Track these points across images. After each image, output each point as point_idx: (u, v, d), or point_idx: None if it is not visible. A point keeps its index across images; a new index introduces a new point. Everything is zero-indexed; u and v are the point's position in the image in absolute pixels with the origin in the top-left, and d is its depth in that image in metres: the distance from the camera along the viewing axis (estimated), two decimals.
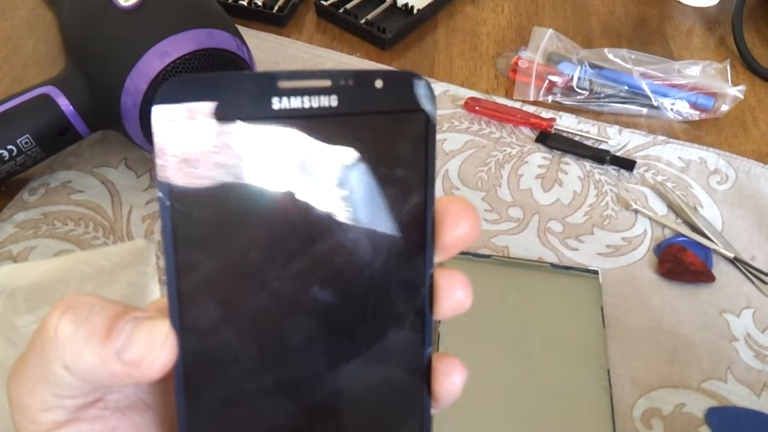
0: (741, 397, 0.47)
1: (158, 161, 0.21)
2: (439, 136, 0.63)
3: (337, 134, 0.23)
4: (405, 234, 0.24)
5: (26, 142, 0.53)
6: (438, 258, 0.25)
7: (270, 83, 0.22)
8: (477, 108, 0.65)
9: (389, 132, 0.24)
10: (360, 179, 0.23)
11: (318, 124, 0.23)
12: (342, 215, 0.24)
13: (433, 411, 0.26)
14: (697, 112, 0.67)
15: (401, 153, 0.24)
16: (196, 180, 0.21)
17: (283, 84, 0.22)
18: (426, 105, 0.24)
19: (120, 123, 0.54)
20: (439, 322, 0.48)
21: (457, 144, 0.63)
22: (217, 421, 0.23)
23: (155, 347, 0.21)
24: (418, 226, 0.24)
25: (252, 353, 0.23)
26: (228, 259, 0.22)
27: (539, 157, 0.62)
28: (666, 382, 0.48)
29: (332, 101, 0.23)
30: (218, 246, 0.22)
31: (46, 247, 0.53)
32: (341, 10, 0.75)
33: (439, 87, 0.68)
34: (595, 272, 0.52)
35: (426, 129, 0.24)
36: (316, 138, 0.23)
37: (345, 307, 0.24)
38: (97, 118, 0.55)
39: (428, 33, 0.76)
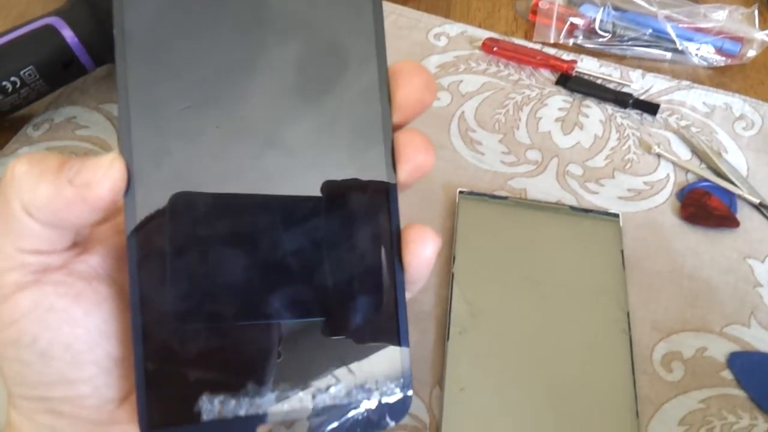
0: (765, 342, 0.46)
1: None
2: (455, 78, 0.61)
3: (279, 8, 0.24)
4: (357, 99, 0.25)
5: (30, 74, 0.51)
6: (396, 118, 0.25)
7: None
8: (495, 49, 0.63)
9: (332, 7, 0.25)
10: (307, 51, 0.24)
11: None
12: (290, 80, 0.24)
13: (408, 295, 0.26)
14: (723, 58, 0.65)
15: (346, 28, 0.25)
16: (149, 20, 0.23)
17: None
18: None
19: None
20: (453, 260, 0.47)
21: (473, 86, 0.61)
22: (166, 265, 0.23)
23: (103, 167, 0.23)
24: (369, 89, 0.25)
25: (208, 197, 0.24)
26: (179, 95, 0.23)
27: (559, 100, 0.60)
28: (687, 326, 0.46)
29: None
30: (171, 82, 0.23)
31: None
32: None
33: (455, 28, 0.66)
34: (616, 215, 0.51)
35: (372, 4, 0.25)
36: (258, 10, 0.24)
37: (300, 173, 0.24)
38: (102, 50, 0.53)
39: None
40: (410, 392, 0.25)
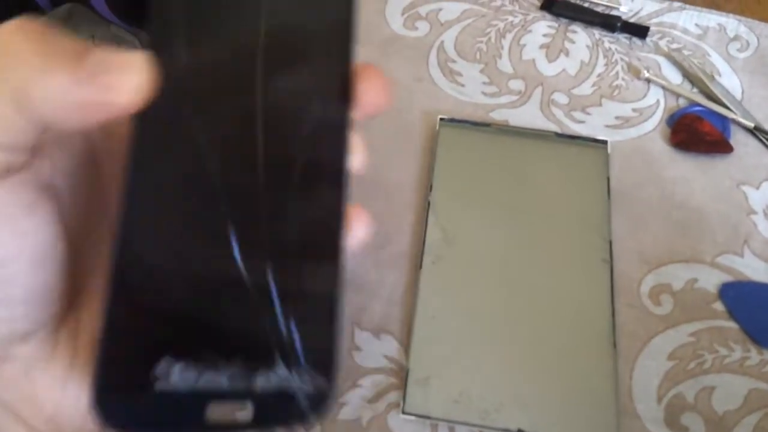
0: (758, 271, 0.44)
1: None
2: (434, 5, 0.58)
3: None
4: (321, 92, 0.23)
5: None
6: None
7: None
8: None
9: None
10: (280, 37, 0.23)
11: None
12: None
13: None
14: None
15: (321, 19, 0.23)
16: None
17: None
18: None
19: None
20: (431, 188, 0.45)
21: (453, 13, 0.58)
22: (163, 205, 0.22)
23: (134, 69, 0.19)
24: (335, 82, 0.23)
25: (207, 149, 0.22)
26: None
27: (544, 26, 0.57)
28: (676, 257, 0.44)
29: None
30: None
31: None
32: None
33: None
34: (604, 142, 0.48)
35: None
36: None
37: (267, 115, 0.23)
38: None
39: None
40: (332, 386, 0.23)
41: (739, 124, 0.51)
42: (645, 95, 0.53)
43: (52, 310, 0.22)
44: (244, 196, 0.22)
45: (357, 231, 0.23)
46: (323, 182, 0.23)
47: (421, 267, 0.42)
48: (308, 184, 0.23)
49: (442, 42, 0.56)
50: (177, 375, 0.21)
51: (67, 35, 0.18)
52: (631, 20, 0.58)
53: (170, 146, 0.21)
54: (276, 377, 0.22)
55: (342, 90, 0.23)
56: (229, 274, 0.22)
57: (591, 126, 0.51)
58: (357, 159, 0.23)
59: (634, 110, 0.52)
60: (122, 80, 0.19)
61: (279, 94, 0.23)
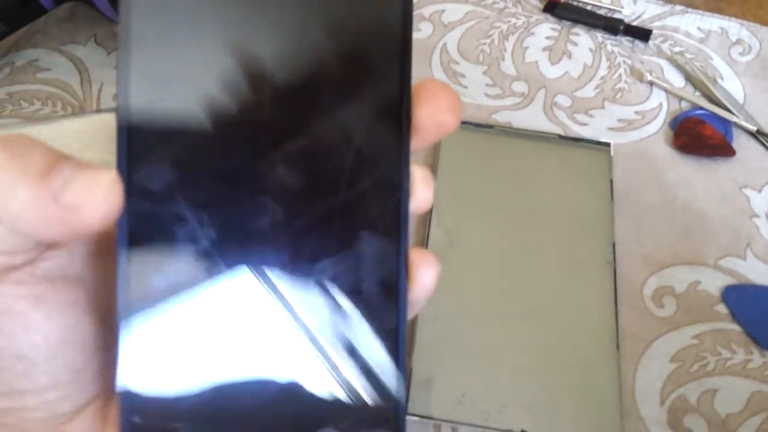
0: (760, 274, 0.44)
1: None
2: (437, 7, 0.58)
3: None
4: (375, 119, 0.21)
5: None
6: (414, 141, 0.21)
7: None
8: None
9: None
10: (329, 49, 0.20)
11: None
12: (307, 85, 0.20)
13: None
14: None
15: (371, 36, 0.20)
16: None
17: None
18: None
19: None
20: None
21: (456, 15, 0.58)
22: (158, 298, 0.20)
23: (99, 191, 0.19)
24: (389, 107, 0.21)
25: (207, 233, 0.20)
26: (185, 118, 0.20)
27: (547, 28, 0.57)
28: (679, 260, 0.44)
29: None
30: (174, 99, 0.20)
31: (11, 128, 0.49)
32: None
33: None
34: (607, 144, 0.48)
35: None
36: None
37: (307, 197, 0.20)
38: None
39: None
40: None
41: (741, 127, 0.51)
42: (648, 98, 0.53)
43: (91, 388, 0.22)
44: (274, 250, 0.20)
45: (421, 279, 0.21)
46: (376, 229, 0.20)
47: None
48: (357, 232, 0.20)
49: (445, 44, 0.56)
50: None
51: (43, 146, 0.19)
52: (634, 23, 0.58)
53: (170, 219, 0.20)
54: None
55: (395, 115, 0.20)
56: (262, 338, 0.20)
57: (594, 128, 0.51)
58: (419, 196, 0.21)
59: (636, 113, 0.52)
60: (85, 199, 0.18)
61: (310, 131, 0.20)
